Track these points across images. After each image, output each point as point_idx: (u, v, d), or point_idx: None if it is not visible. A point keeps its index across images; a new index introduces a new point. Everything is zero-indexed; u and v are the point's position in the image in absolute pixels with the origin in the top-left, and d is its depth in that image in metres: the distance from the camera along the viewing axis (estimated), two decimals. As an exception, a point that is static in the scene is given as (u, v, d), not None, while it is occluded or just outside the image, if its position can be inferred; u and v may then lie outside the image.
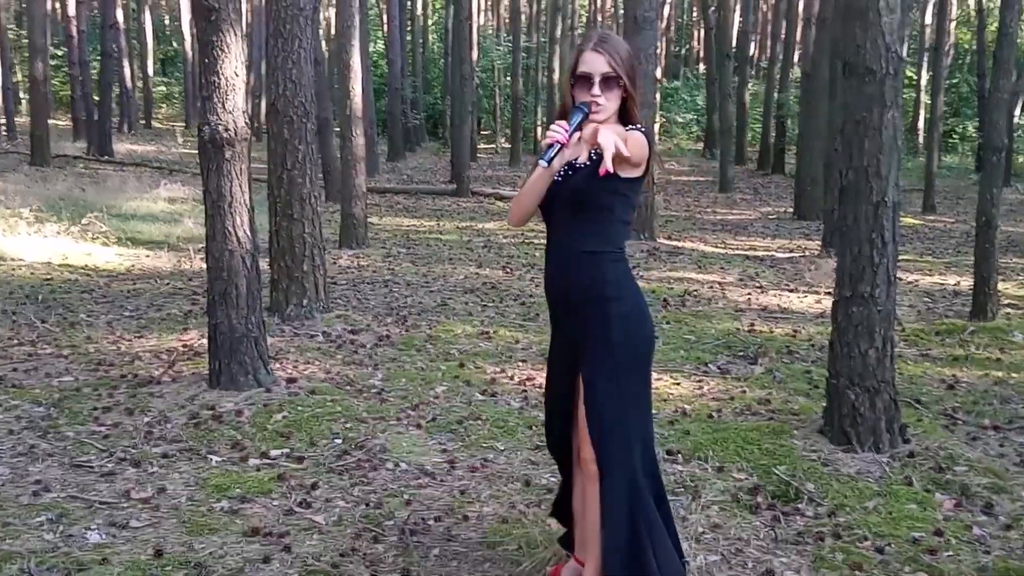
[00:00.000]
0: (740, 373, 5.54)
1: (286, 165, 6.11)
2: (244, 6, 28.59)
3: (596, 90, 2.49)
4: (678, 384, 5.27)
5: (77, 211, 10.36)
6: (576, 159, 2.55)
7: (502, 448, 4.22)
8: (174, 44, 35.47)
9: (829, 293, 7.92)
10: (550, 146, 2.40)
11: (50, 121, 32.28)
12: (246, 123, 4.50)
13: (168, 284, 7.73)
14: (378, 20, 31.07)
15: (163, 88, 37.59)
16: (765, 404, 4.89)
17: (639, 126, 2.57)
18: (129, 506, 3.51)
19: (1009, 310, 7.27)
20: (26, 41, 19.73)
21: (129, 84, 27.84)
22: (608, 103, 2.52)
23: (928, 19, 21.32)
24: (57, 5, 30.89)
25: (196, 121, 32.00)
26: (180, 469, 3.89)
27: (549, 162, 2.42)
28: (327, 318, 6.33)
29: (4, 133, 22.63)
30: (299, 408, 4.57)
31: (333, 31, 23.24)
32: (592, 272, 2.56)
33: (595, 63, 2.50)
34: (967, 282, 8.06)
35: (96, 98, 20.44)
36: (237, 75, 4.42)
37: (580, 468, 2.72)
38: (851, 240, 4.20)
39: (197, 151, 4.61)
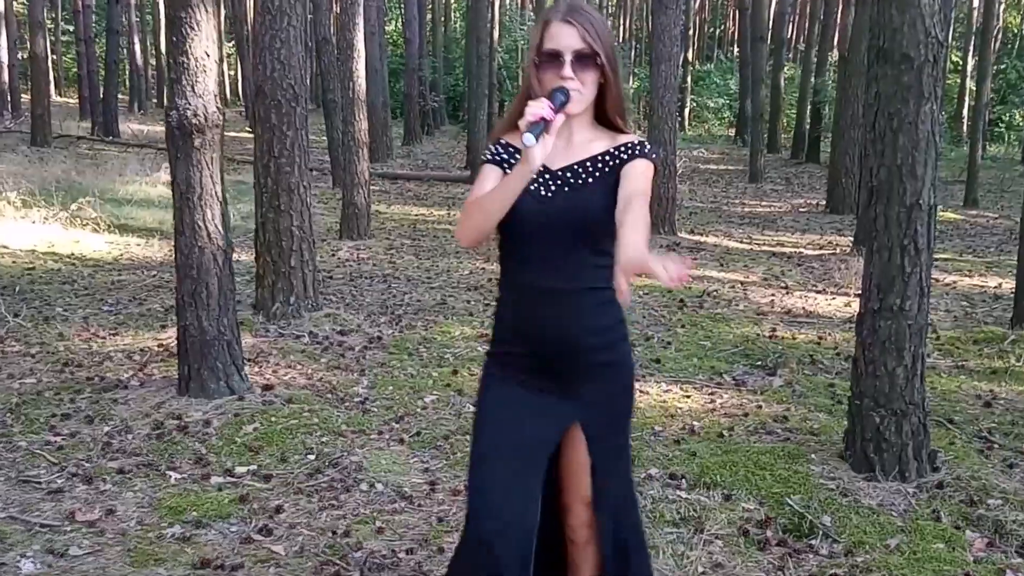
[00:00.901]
0: (757, 385, 5.26)
1: (273, 152, 5.88)
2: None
3: (567, 70, 2.04)
4: (688, 397, 5.00)
5: (70, 195, 10.22)
6: (564, 169, 2.11)
7: (489, 468, 3.96)
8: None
9: (859, 295, 7.58)
10: (534, 123, 1.91)
11: (60, 99, 32.42)
12: (218, 108, 4.27)
13: (155, 275, 7.55)
14: (397, -3, 30.81)
15: (176, 66, 37.51)
16: (782, 422, 4.61)
17: (646, 147, 2.13)
18: (72, 530, 3.30)
19: (1056, 318, 6.90)
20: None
21: (140, 61, 27.81)
22: (584, 88, 2.07)
23: (976, 1, 20.74)
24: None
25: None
26: (134, 487, 3.68)
27: (538, 137, 1.91)
28: (315, 317, 6.10)
29: (9, 112, 22.64)
30: (273, 419, 4.35)
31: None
32: (601, 315, 2.15)
33: (565, 37, 2.06)
34: (1009, 285, 7.69)
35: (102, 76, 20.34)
36: (208, 55, 4.18)
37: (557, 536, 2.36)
38: (880, 246, 3.91)
39: (164, 136, 4.39)
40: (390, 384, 5.01)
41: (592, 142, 2.16)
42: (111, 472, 3.79)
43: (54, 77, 35.67)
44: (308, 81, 31.35)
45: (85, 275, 7.46)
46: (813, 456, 4.09)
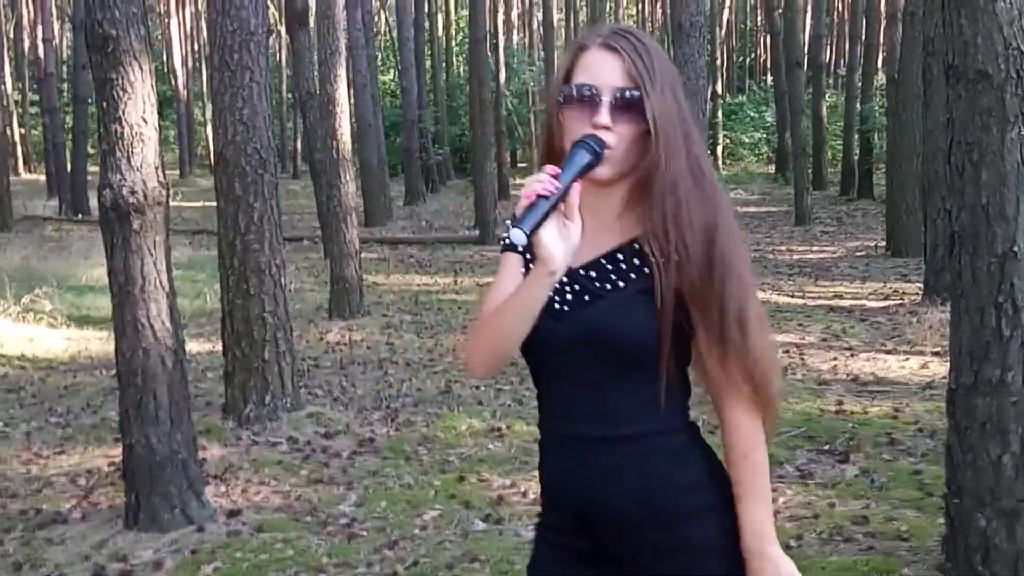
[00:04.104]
0: (827, 476, 4.82)
1: (239, 228, 5.58)
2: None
3: (603, 117, 1.54)
4: (744, 496, 4.56)
5: (26, 285, 10.00)
6: (587, 267, 1.62)
7: (503, 608, 3.55)
8: (171, 81, 35.94)
9: (937, 353, 7.17)
10: (530, 207, 1.47)
11: (31, 176, 32.70)
12: (160, 182, 3.98)
13: (114, 375, 7.22)
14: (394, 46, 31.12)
15: (155, 133, 37.87)
16: (862, 524, 4.17)
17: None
18: None
19: None
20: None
21: (114, 130, 28.09)
22: (619, 145, 1.55)
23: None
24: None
25: (191, 169, 31.90)
26: (64, 656, 3.30)
27: (531, 233, 1.46)
28: (296, 418, 5.73)
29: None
30: (238, 555, 3.96)
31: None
32: (666, 472, 1.63)
33: (604, 69, 1.56)
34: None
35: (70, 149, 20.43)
36: (146, 121, 3.91)
37: None
38: (969, 306, 3.51)
39: (98, 219, 4.10)
40: (383, 499, 4.62)
41: (621, 223, 1.64)
42: (36, 638, 3.41)
43: (23, 152, 36.19)
44: (298, 142, 31.41)
45: (35, 380, 7.17)
46: (905, 571, 3.66)
